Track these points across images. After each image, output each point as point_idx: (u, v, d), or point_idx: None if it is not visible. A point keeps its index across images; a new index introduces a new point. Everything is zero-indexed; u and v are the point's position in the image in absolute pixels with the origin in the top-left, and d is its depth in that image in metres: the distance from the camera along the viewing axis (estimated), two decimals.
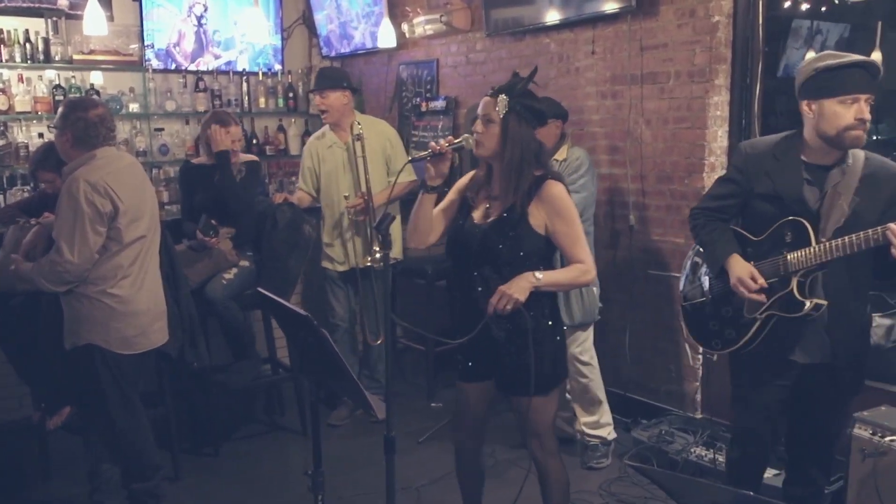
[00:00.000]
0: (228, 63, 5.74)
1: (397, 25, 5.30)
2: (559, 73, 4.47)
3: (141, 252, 3.10)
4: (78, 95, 4.96)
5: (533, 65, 4.53)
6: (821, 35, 4.72)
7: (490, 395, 2.77)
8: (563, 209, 2.56)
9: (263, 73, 5.86)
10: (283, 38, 5.98)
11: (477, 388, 2.74)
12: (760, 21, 3.71)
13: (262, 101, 5.85)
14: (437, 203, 2.72)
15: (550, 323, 2.63)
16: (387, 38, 5.23)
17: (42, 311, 3.29)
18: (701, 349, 3.46)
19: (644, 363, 4.17)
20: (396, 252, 4.48)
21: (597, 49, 4.23)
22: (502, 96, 2.52)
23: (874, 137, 5.65)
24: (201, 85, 5.56)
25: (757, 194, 2.61)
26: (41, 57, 4.99)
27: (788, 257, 2.51)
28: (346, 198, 4.23)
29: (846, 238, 2.39)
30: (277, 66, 5.94)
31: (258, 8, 5.55)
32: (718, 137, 3.80)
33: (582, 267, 2.57)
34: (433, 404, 4.56)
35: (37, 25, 5.00)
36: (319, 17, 5.94)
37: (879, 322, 3.31)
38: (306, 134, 6.00)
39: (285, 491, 3.67)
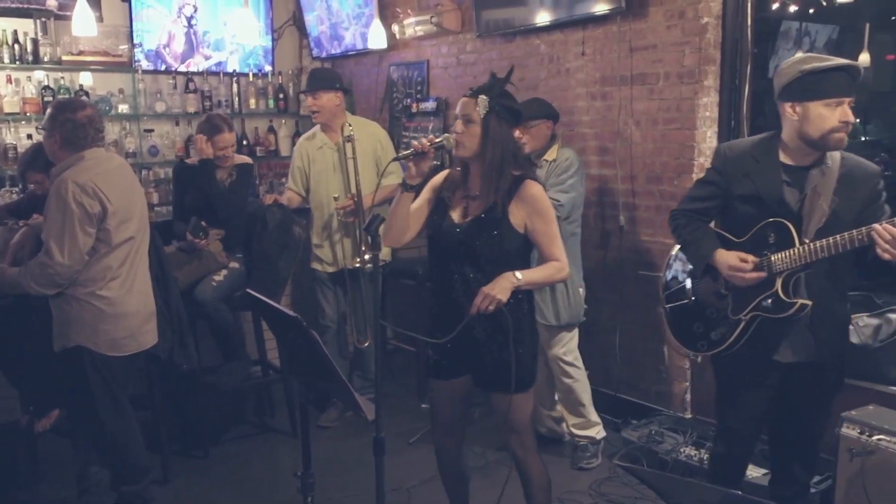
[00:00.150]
0: (219, 64, 5.73)
1: (388, 26, 5.30)
2: (549, 74, 4.48)
3: (130, 253, 3.10)
4: (67, 96, 4.94)
5: (524, 66, 4.59)
6: (809, 37, 4.75)
7: (465, 391, 2.78)
8: (543, 209, 2.61)
9: (254, 75, 5.85)
10: (273, 39, 5.97)
11: (451, 384, 2.76)
12: (749, 22, 3.72)
13: (252, 102, 5.84)
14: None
15: (529, 321, 2.70)
16: (377, 39, 5.23)
17: (30, 313, 3.28)
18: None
19: (634, 363, 4.19)
20: (385, 254, 4.48)
21: (587, 50, 4.25)
22: (482, 96, 2.54)
23: (862, 138, 5.70)
24: (191, 86, 5.55)
25: (737, 196, 2.61)
26: (30, 58, 4.97)
27: (773, 258, 2.52)
28: (335, 199, 4.23)
29: (831, 239, 2.40)
30: (268, 67, 5.94)
31: (248, 9, 5.54)
32: (708, 138, 3.82)
33: (557, 265, 2.63)
34: (423, 405, 4.55)
35: (25, 26, 4.98)
36: (310, 18, 5.93)
37: (867, 322, 3.33)
38: (297, 135, 5.99)
39: (275, 493, 3.66)
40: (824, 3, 4.46)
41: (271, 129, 5.96)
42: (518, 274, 2.54)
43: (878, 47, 5.20)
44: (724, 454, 2.85)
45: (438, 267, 2.70)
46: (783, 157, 2.58)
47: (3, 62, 4.90)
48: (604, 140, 4.22)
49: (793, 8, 4.38)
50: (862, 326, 3.32)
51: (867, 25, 4.97)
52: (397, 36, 5.30)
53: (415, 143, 2.55)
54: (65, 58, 5.07)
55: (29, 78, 5.01)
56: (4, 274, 3.08)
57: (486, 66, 4.87)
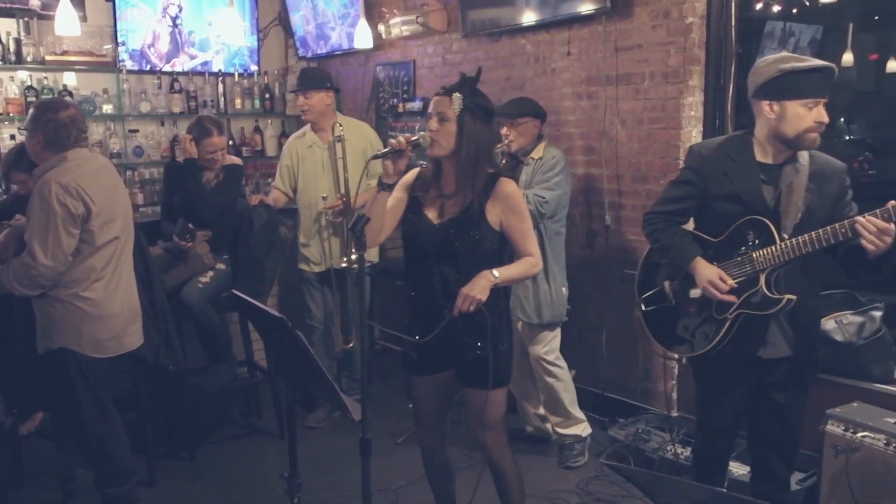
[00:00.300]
0: (204, 64, 5.70)
1: (374, 26, 5.29)
2: (535, 73, 4.49)
3: (114, 254, 3.08)
4: (50, 97, 4.90)
5: (510, 66, 4.60)
6: (794, 37, 4.78)
7: (445, 386, 2.81)
8: (517, 206, 2.64)
9: (239, 75, 5.82)
10: (258, 39, 5.95)
11: (431, 380, 2.79)
12: (733, 22, 3.74)
13: (238, 102, 5.81)
14: None
15: (506, 317, 2.74)
16: (363, 39, 5.22)
17: (14, 315, 3.25)
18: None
19: (621, 362, 4.20)
20: (373, 255, 4.48)
21: (572, 50, 4.25)
22: (456, 94, 2.55)
23: (847, 137, 5.74)
24: (176, 86, 5.52)
25: (715, 195, 2.62)
26: (12, 58, 4.93)
27: (754, 256, 2.54)
28: (324, 198, 4.22)
29: (814, 233, 2.42)
30: (253, 67, 5.91)
31: (233, 9, 5.51)
32: (693, 137, 3.83)
33: (531, 260, 2.67)
34: (411, 405, 4.54)
35: (8, 26, 4.93)
36: (295, 18, 5.92)
37: (851, 319, 3.36)
38: (283, 135, 5.97)
39: (262, 494, 3.65)
40: (808, 4, 4.49)
41: (257, 130, 5.94)
42: (495, 272, 2.57)
43: (862, 47, 5.24)
44: (707, 450, 2.87)
45: (416, 266, 2.71)
46: (758, 156, 2.60)
47: None
48: (590, 140, 4.23)
49: (776, 8, 4.41)
50: (846, 324, 3.34)
51: (850, 25, 5.01)
52: (383, 36, 5.29)
53: (392, 141, 2.55)
54: (48, 58, 5.02)
55: (12, 78, 4.97)
56: None
57: (472, 65, 4.86)
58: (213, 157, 4.10)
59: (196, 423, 4.11)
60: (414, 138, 2.57)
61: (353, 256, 4.05)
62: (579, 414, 3.85)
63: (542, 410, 3.95)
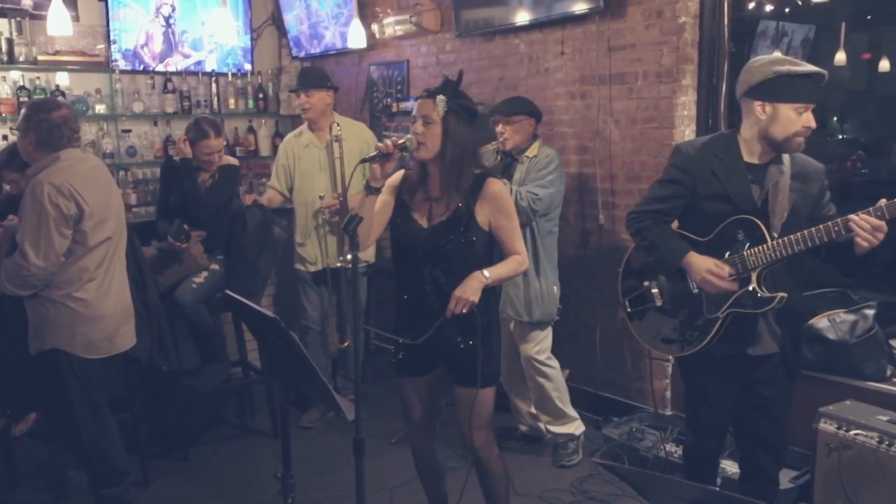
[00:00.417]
0: (198, 63, 5.69)
1: (367, 26, 5.29)
2: (529, 73, 4.49)
3: (107, 255, 3.07)
4: (42, 97, 4.88)
5: (503, 65, 4.60)
6: (787, 36, 4.79)
7: (434, 387, 2.83)
8: (505, 206, 2.66)
9: (233, 74, 5.81)
10: (252, 39, 5.94)
11: (420, 381, 2.81)
12: (726, 22, 3.75)
13: (231, 102, 5.80)
14: None
15: (496, 316, 2.77)
16: (357, 38, 5.22)
17: (6, 316, 3.24)
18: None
19: (615, 361, 4.20)
20: (369, 255, 4.48)
21: (566, 49, 4.26)
22: (441, 97, 2.56)
23: (840, 136, 5.75)
24: (169, 86, 5.50)
25: (703, 194, 2.62)
26: (4, 58, 4.91)
27: (746, 255, 2.56)
28: (321, 198, 4.22)
29: (807, 232, 2.44)
30: (247, 67, 5.90)
31: (226, 9, 5.50)
32: (686, 137, 3.84)
33: (519, 258, 2.69)
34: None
35: (0, 26, 4.91)
36: (289, 18, 5.91)
37: (844, 318, 3.37)
38: (277, 135, 5.96)
39: (256, 494, 3.64)
40: (800, 3, 4.50)
41: (251, 130, 5.93)
42: (486, 272, 2.59)
43: (854, 46, 5.25)
44: (698, 448, 2.89)
45: (406, 269, 2.72)
46: (744, 155, 2.61)
47: None
48: (583, 139, 4.24)
49: (769, 7, 4.42)
50: (839, 323, 3.36)
51: (843, 25, 5.02)
52: (377, 35, 5.29)
53: (379, 144, 2.55)
54: (40, 58, 5.00)
55: (4, 78, 4.94)
56: None
57: (465, 65, 4.87)
58: (209, 160, 4.09)
59: (190, 424, 4.11)
60: (401, 142, 2.57)
61: (349, 256, 4.05)
62: (572, 412, 3.85)
63: (534, 409, 3.95)
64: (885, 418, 2.84)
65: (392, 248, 2.77)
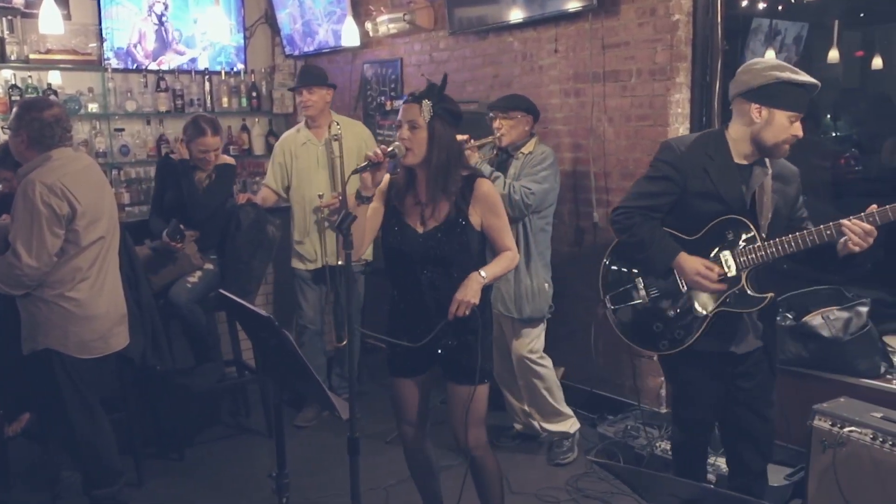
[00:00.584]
0: (192, 60, 5.67)
1: (361, 24, 5.28)
2: (523, 71, 4.49)
3: (100, 254, 3.06)
4: (34, 95, 4.86)
5: (497, 63, 4.60)
6: (780, 34, 4.80)
7: (426, 386, 2.85)
8: (496, 205, 2.69)
9: (226, 73, 5.80)
10: (245, 37, 5.92)
11: (415, 381, 2.82)
12: (720, 20, 3.76)
13: (224, 100, 5.79)
14: None
15: (490, 314, 2.80)
16: (350, 36, 5.21)
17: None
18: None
19: (610, 359, 4.20)
20: (367, 253, 4.47)
21: (560, 47, 4.26)
22: (426, 101, 2.57)
23: (833, 134, 5.77)
24: (163, 84, 5.49)
25: (694, 193, 2.61)
26: None
27: (736, 255, 2.58)
28: (320, 197, 4.22)
29: (798, 234, 2.48)
30: (240, 65, 5.89)
31: (219, 7, 5.49)
32: (680, 134, 3.84)
33: (510, 254, 2.73)
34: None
35: None
36: (282, 16, 5.89)
37: (837, 315, 3.38)
38: (270, 134, 5.96)
39: (251, 494, 3.63)
40: (793, 1, 4.51)
41: (244, 128, 5.92)
42: (483, 272, 2.62)
43: (847, 44, 5.27)
44: (686, 444, 2.90)
45: (401, 273, 2.72)
46: (733, 156, 2.62)
47: None
48: (577, 137, 4.24)
49: (762, 5, 4.43)
50: (832, 320, 3.36)
51: (836, 23, 5.03)
52: (370, 34, 5.28)
53: (369, 153, 2.54)
54: (32, 56, 4.98)
55: None
56: None
57: (459, 63, 4.88)
58: (204, 158, 4.06)
59: (184, 423, 4.09)
60: (390, 149, 2.57)
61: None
62: (566, 410, 3.85)
63: (527, 407, 3.95)
64: (878, 415, 2.85)
65: (385, 254, 2.77)
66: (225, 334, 4.45)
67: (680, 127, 3.85)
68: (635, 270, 2.79)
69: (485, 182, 2.68)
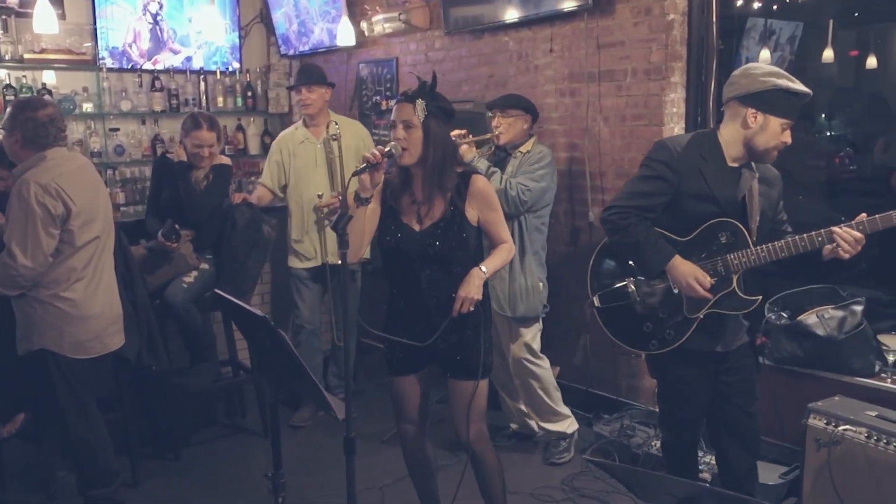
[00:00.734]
0: (187, 59, 5.66)
1: (356, 24, 5.28)
2: (518, 70, 4.49)
3: (95, 254, 3.05)
4: (28, 95, 4.85)
5: (492, 63, 4.60)
6: (774, 34, 4.81)
7: (426, 383, 2.85)
8: (491, 200, 2.71)
9: (221, 72, 5.79)
10: (240, 37, 5.91)
11: (414, 379, 2.83)
12: (714, 19, 3.76)
13: (220, 100, 5.78)
14: None
15: (489, 308, 2.82)
16: (346, 36, 5.20)
17: None
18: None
19: (605, 358, 4.21)
20: (366, 252, 4.47)
21: (555, 47, 4.26)
22: (420, 100, 2.58)
23: (828, 133, 5.78)
24: (157, 84, 5.48)
25: (688, 194, 2.62)
26: None
27: (729, 258, 2.59)
28: (319, 197, 4.22)
29: (790, 240, 2.52)
30: (235, 65, 5.88)
31: (214, 6, 5.48)
32: (675, 134, 3.84)
33: (507, 246, 2.76)
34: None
35: None
36: (277, 16, 5.89)
37: (832, 314, 3.39)
38: (266, 133, 5.95)
39: (247, 494, 3.63)
40: (788, 0, 4.52)
41: (240, 128, 5.91)
42: (483, 267, 2.65)
43: (842, 44, 5.28)
44: (676, 443, 2.92)
45: (400, 272, 2.73)
46: (727, 158, 2.64)
47: None
48: (572, 137, 4.24)
49: (757, 5, 4.44)
50: (827, 319, 3.37)
51: (831, 22, 5.04)
52: (366, 33, 5.28)
53: (367, 154, 2.54)
54: (27, 56, 4.97)
55: None
56: None
57: (454, 63, 4.88)
58: (198, 153, 4.03)
59: (180, 423, 4.09)
60: (387, 150, 2.57)
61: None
62: (564, 410, 3.85)
63: (524, 406, 3.95)
64: (873, 413, 2.85)
65: (382, 254, 2.77)
66: (221, 334, 4.44)
67: (675, 126, 3.85)
68: (626, 270, 2.80)
69: (480, 178, 2.70)
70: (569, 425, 3.84)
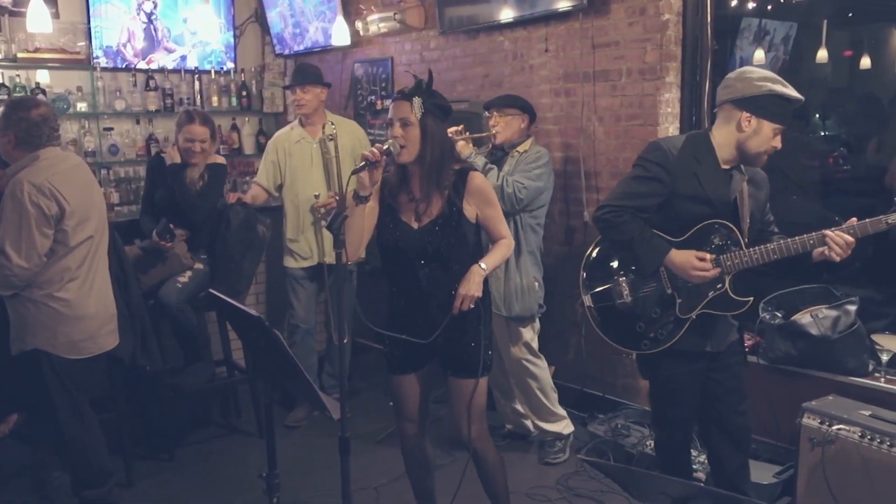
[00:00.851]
0: (182, 59, 5.65)
1: (351, 23, 5.27)
2: (513, 70, 4.49)
3: (89, 254, 3.05)
4: (22, 95, 4.83)
5: (487, 63, 4.60)
6: (769, 34, 4.82)
7: (426, 381, 2.85)
8: (489, 196, 2.72)
9: (216, 72, 5.77)
10: (235, 36, 5.90)
11: (414, 377, 2.83)
12: (709, 19, 3.78)
13: (214, 99, 5.77)
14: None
15: (489, 304, 2.82)
16: (341, 36, 5.20)
17: None
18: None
19: (600, 358, 4.21)
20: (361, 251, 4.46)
21: (550, 47, 4.26)
22: (417, 98, 2.58)
23: (822, 133, 5.79)
24: (152, 83, 5.46)
25: (682, 195, 2.62)
26: None
27: (722, 259, 2.60)
28: (316, 197, 4.21)
29: (782, 242, 2.54)
30: (230, 64, 5.87)
31: (208, 6, 5.47)
32: (670, 134, 3.85)
33: (506, 242, 2.77)
34: (392, 403, 4.53)
35: None
36: (272, 15, 5.88)
37: (826, 313, 3.39)
38: (260, 133, 5.94)
39: (242, 494, 3.62)
40: (782, 1, 4.53)
41: (234, 128, 5.90)
42: (483, 264, 2.65)
43: (836, 44, 5.29)
44: (669, 443, 2.92)
45: (399, 270, 2.73)
46: (719, 161, 2.65)
47: None
48: (567, 136, 4.25)
49: (751, 5, 4.45)
50: (821, 318, 3.38)
51: (825, 22, 5.05)
52: (361, 33, 5.28)
53: (365, 153, 2.55)
54: (20, 55, 4.95)
55: None
56: None
57: (449, 62, 4.88)
58: (190, 147, 4.00)
59: (174, 424, 4.08)
60: (385, 147, 2.57)
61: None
62: (561, 411, 3.86)
63: (519, 406, 3.95)
64: (867, 413, 2.87)
65: (381, 253, 2.77)
66: (215, 334, 4.44)
67: (670, 126, 3.86)
68: (619, 270, 2.80)
69: (477, 175, 2.71)
70: (565, 426, 3.85)
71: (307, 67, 4.47)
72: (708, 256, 2.59)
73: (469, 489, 2.92)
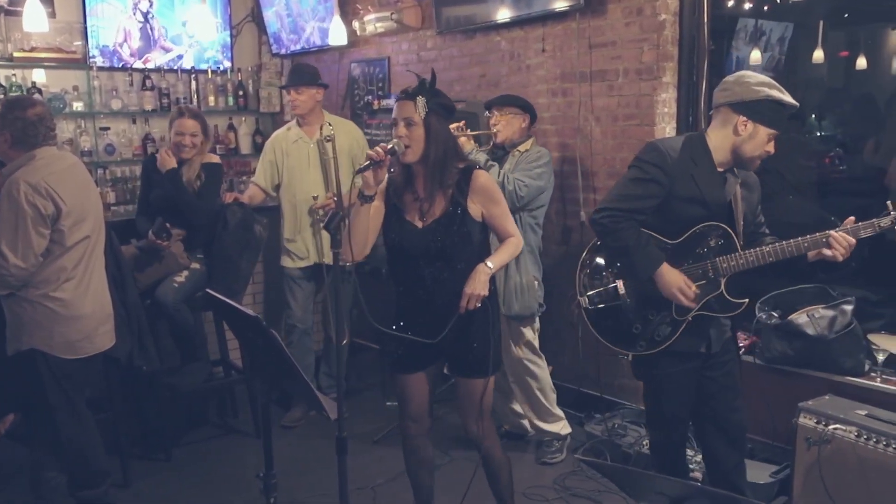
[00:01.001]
0: (178, 58, 5.64)
1: (348, 23, 5.27)
2: (510, 70, 4.50)
3: (85, 254, 3.04)
4: (18, 94, 4.82)
5: (484, 63, 4.60)
6: (765, 35, 4.82)
7: (431, 380, 2.86)
8: (495, 194, 2.72)
9: (213, 71, 5.76)
10: (231, 36, 5.89)
11: (419, 377, 2.83)
12: (706, 20, 3.78)
13: (211, 99, 5.75)
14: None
15: (496, 304, 2.83)
16: (338, 35, 5.19)
17: None
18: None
19: (596, 358, 4.21)
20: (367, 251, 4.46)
21: (547, 47, 4.26)
22: (420, 97, 2.58)
23: (818, 133, 5.80)
24: (148, 83, 5.45)
25: (679, 197, 2.63)
26: None
27: (718, 261, 2.61)
28: (314, 198, 4.21)
29: (777, 245, 2.56)
30: (226, 64, 5.86)
31: (205, 5, 5.46)
32: (667, 134, 3.86)
33: (514, 240, 2.76)
34: (388, 403, 4.54)
35: None
36: (268, 14, 5.87)
37: (822, 313, 3.40)
38: (257, 132, 5.93)
39: (239, 494, 3.62)
40: (778, 1, 4.54)
41: (231, 127, 5.89)
42: (489, 263, 2.65)
43: (832, 44, 5.30)
44: (665, 443, 2.93)
45: (404, 270, 2.73)
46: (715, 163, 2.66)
47: None
48: (564, 136, 4.25)
49: (748, 5, 4.45)
50: (817, 318, 3.39)
51: (821, 23, 5.06)
52: (358, 33, 5.27)
53: (370, 152, 2.55)
54: (16, 54, 4.94)
55: None
56: None
57: (446, 62, 4.88)
58: (180, 141, 4.00)
59: (171, 424, 4.07)
60: (389, 147, 2.57)
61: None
62: (559, 412, 3.86)
63: (517, 406, 3.96)
64: (863, 412, 2.87)
65: (388, 252, 2.77)
66: (212, 334, 4.43)
67: (667, 126, 3.86)
68: (615, 271, 2.81)
69: (481, 173, 2.70)
70: (562, 427, 3.85)
71: (303, 68, 4.47)
72: (694, 288, 2.62)
73: (472, 488, 2.92)
